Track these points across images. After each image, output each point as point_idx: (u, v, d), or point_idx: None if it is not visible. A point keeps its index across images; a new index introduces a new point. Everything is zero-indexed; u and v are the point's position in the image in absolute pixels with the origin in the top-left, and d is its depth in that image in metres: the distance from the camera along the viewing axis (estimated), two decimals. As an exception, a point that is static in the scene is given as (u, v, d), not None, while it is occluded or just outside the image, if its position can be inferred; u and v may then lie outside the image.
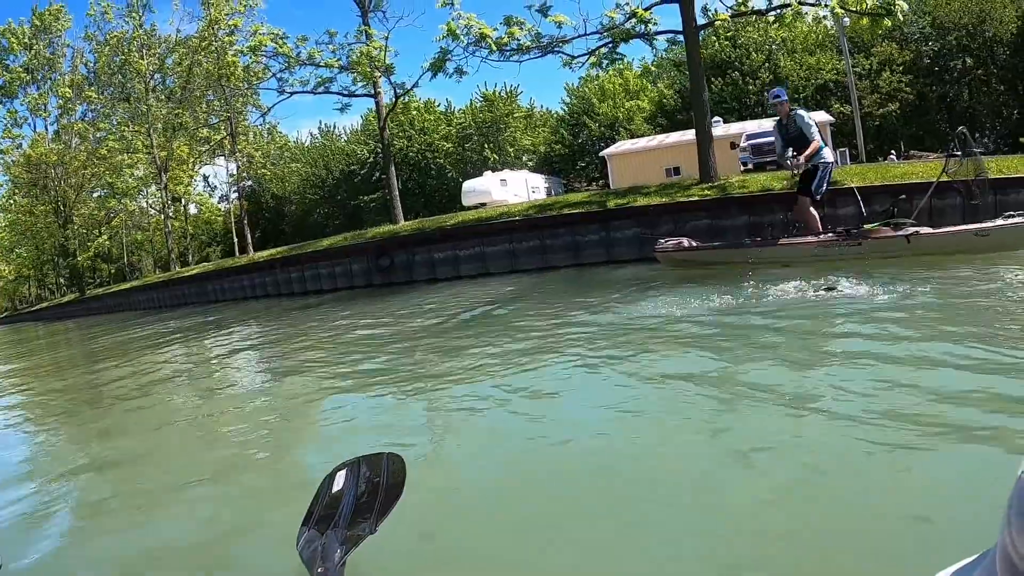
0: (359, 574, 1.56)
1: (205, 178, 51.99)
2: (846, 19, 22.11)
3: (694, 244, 12.63)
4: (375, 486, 2.02)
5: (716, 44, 42.48)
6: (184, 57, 39.08)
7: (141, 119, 39.68)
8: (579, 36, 20.79)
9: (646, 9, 19.78)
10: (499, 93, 50.84)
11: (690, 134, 32.86)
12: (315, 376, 7.95)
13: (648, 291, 10.62)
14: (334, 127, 59.74)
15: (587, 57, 21.24)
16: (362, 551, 1.56)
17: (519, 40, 20.51)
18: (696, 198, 18.58)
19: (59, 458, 6.20)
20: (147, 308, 35.37)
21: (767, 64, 41.53)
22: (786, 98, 11.22)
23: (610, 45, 20.79)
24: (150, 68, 40.53)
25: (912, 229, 10.37)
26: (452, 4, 21.34)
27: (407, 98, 28.03)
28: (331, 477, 2.09)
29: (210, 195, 55.54)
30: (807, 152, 10.64)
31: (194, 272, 34.94)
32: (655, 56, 45.34)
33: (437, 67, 21.97)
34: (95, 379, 11.43)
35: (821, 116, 33.25)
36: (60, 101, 43.90)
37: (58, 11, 47.61)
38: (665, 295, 9.78)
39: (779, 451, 3.64)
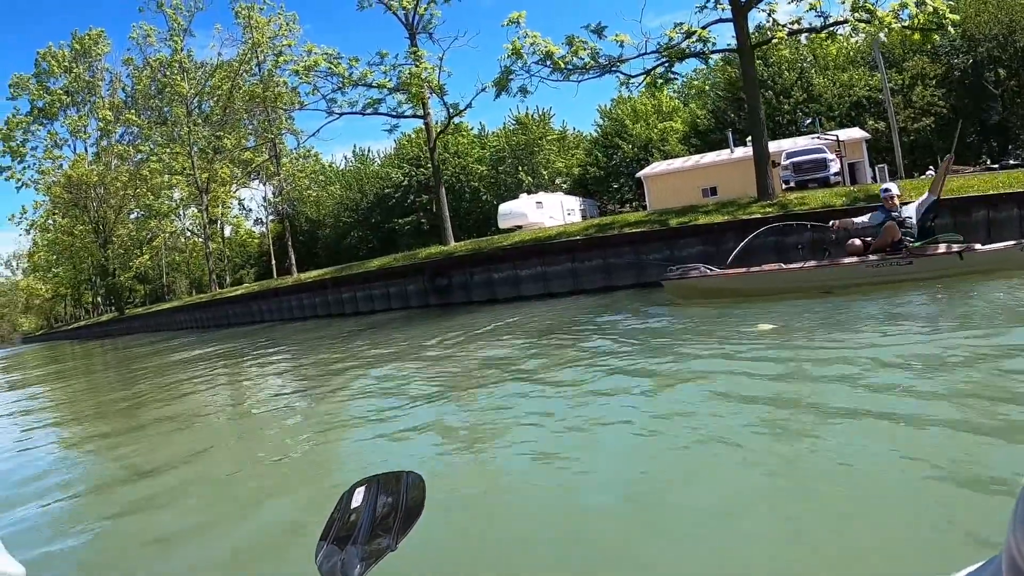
0: None
1: (240, 201, 52.44)
2: (882, 35, 22.37)
3: (715, 271, 12.09)
4: (394, 503, 2.06)
5: (730, 67, 42.61)
6: (225, 80, 39.58)
7: (182, 141, 40.17)
8: (638, 56, 20.94)
9: (704, 28, 19.99)
10: (532, 116, 51.09)
11: (724, 154, 33.17)
12: (372, 399, 8.09)
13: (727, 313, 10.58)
14: (368, 150, 60.21)
15: (643, 76, 21.43)
16: (381, 568, 1.66)
17: (582, 59, 20.71)
18: (759, 216, 18.73)
19: (92, 466, 6.72)
20: (190, 328, 35.67)
21: (799, 82, 41.65)
22: (895, 193, 11.24)
23: (666, 64, 21.00)
24: (191, 91, 41.06)
25: (964, 245, 10.47)
26: (518, 23, 21.57)
27: (459, 119, 28.14)
28: (350, 493, 2.14)
29: (245, 218, 56.08)
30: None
31: (240, 292, 35.19)
32: (696, 76, 45.43)
33: (502, 86, 22.14)
34: (159, 395, 11.80)
35: (856, 133, 33.35)
36: (100, 123, 44.53)
37: (98, 35, 48.50)
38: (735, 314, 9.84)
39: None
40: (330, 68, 26.23)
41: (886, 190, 11.34)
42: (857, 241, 11.28)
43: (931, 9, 18.39)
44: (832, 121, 37.99)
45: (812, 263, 11.29)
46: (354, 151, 60.16)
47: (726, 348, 7.62)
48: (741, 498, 3.56)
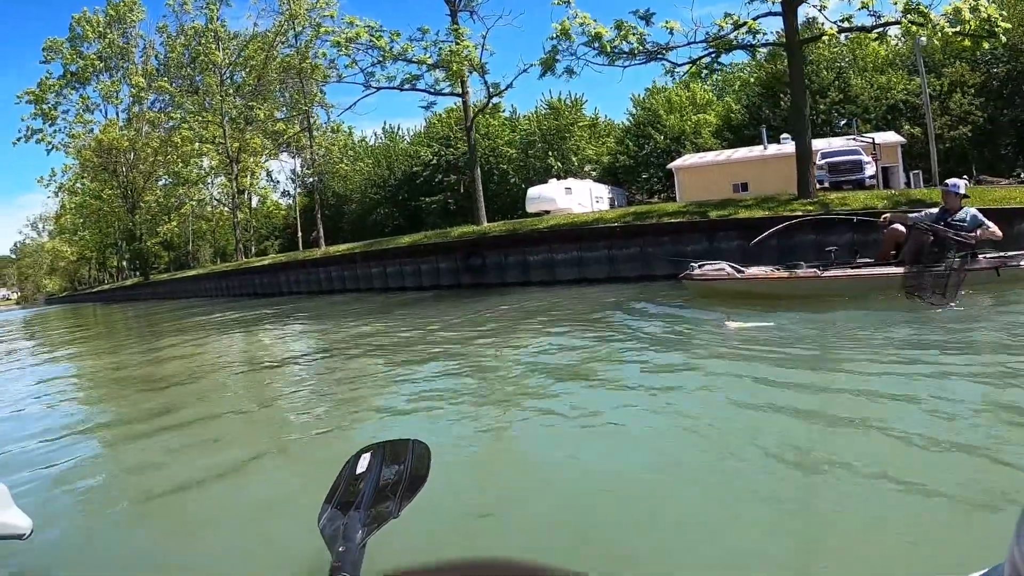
0: (378, 556, 1.66)
1: (268, 173, 52.53)
2: (922, 38, 22.17)
3: (741, 270, 11.48)
4: (399, 471, 2.06)
5: (781, 61, 42.30)
6: (259, 51, 39.61)
7: (214, 110, 40.24)
8: (686, 44, 20.82)
9: (754, 19, 19.87)
10: (564, 101, 50.96)
11: (757, 150, 33.01)
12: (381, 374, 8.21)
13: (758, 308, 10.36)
14: (398, 128, 60.17)
15: (688, 66, 21.35)
16: (383, 534, 1.66)
17: (630, 44, 20.60)
18: (800, 213, 18.65)
19: (103, 423, 6.79)
20: (215, 295, 35.83)
21: (836, 82, 41.34)
22: (959, 192, 10.51)
23: (713, 55, 20.89)
24: (225, 61, 41.13)
25: (1000, 261, 10.27)
26: (568, 3, 21.43)
27: (498, 99, 28.04)
28: (356, 458, 2.14)
29: (272, 189, 56.21)
30: (993, 230, 10.04)
31: (267, 262, 35.33)
32: (733, 70, 45.15)
33: (548, 65, 22.00)
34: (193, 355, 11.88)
35: (892, 137, 33.16)
36: (133, 90, 44.70)
37: (132, 2, 48.60)
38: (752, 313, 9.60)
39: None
40: (372, 41, 26.05)
41: (953, 186, 10.54)
42: (900, 227, 10.68)
43: (985, 16, 18.26)
44: (868, 124, 37.69)
45: (847, 270, 10.72)
46: (384, 128, 59.97)
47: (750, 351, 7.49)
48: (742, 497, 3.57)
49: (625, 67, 21.57)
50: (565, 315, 13.08)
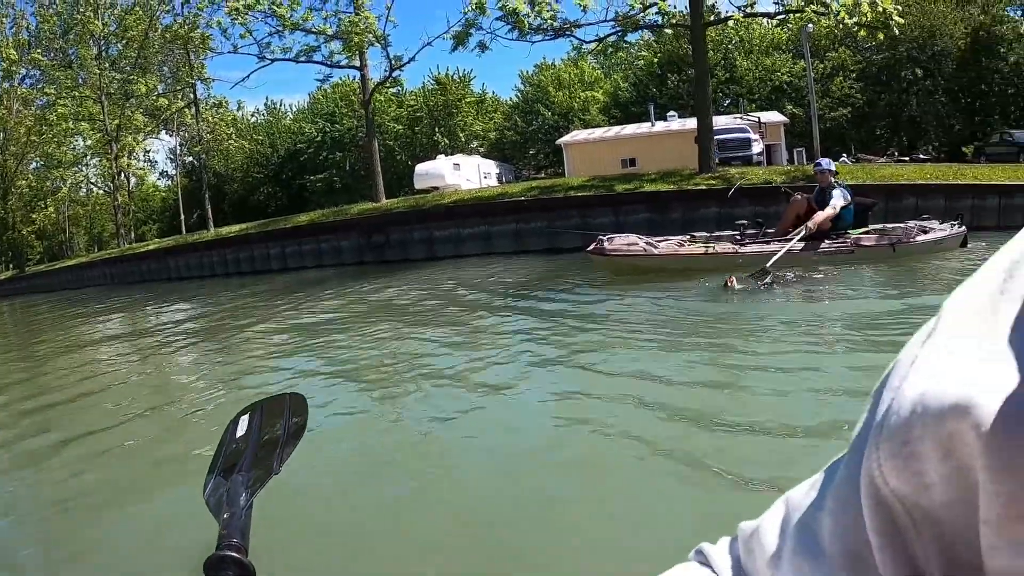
0: (266, 515, 1.67)
1: (146, 152, 49.85)
2: (810, 26, 23.10)
3: (653, 244, 11.31)
4: (278, 427, 2.02)
5: (673, 41, 43.24)
6: (141, 20, 37.46)
7: (91, 85, 37.83)
8: (598, 22, 21.00)
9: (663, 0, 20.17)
10: (452, 77, 50.62)
11: (645, 127, 33.72)
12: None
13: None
14: (280, 103, 58.38)
15: (595, 43, 21.47)
16: (268, 492, 1.66)
17: (542, 20, 20.53)
18: (704, 187, 19.07)
19: None
20: (100, 284, 33.85)
21: (723, 63, 42.51)
22: (830, 169, 11.17)
23: (619, 33, 21.07)
24: (104, 31, 38.68)
25: (897, 238, 10.82)
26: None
27: (400, 72, 27.44)
28: (235, 423, 2.11)
29: (151, 170, 53.45)
30: (817, 220, 10.58)
31: (154, 247, 33.66)
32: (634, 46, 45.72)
33: (461, 40, 21.72)
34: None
35: (775, 116, 34.49)
36: (4, 63, 41.51)
37: (-2, -31, 45.14)
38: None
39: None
40: (272, 9, 24.99)
41: (826, 163, 11.31)
42: (800, 197, 11.24)
43: (881, 9, 19.14)
44: (752, 104, 39.02)
45: (761, 244, 10.90)
46: (267, 103, 57.96)
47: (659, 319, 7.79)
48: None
49: (534, 43, 21.60)
50: (472, 291, 12.94)
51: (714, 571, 0.63)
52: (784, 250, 10.13)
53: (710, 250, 10.80)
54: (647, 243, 11.18)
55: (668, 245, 11.31)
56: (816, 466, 0.51)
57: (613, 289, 10.34)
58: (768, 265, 9.47)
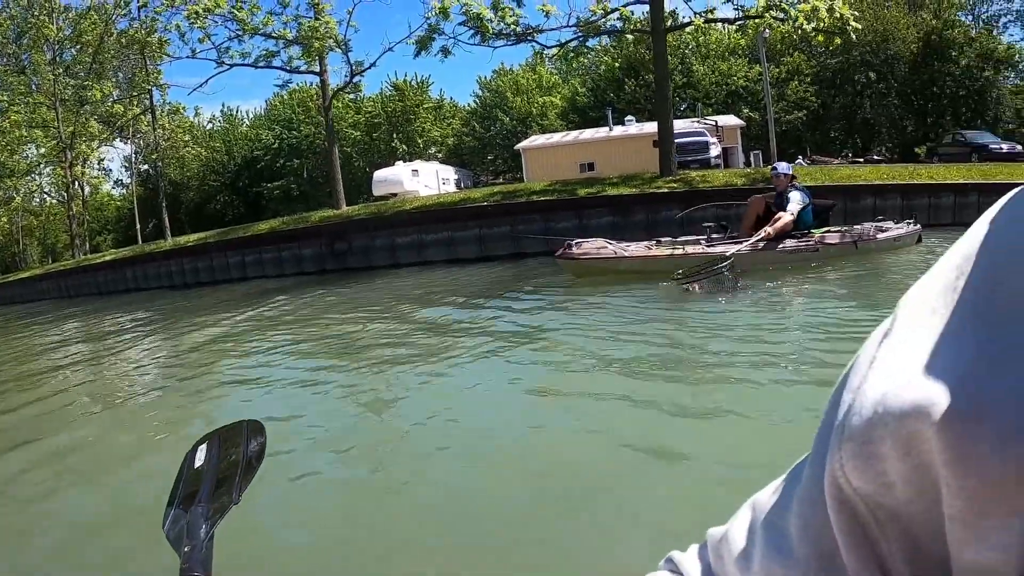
0: (228, 547, 1.70)
1: (100, 160, 48.88)
2: (766, 31, 23.52)
3: (622, 248, 11.26)
4: (236, 455, 2.10)
5: (632, 47, 43.59)
6: (96, 24, 36.71)
7: (46, 91, 36.94)
8: (560, 27, 21.17)
9: (624, 6, 20.34)
10: (410, 83, 50.48)
11: (603, 131, 33.92)
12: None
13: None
14: (237, 110, 57.69)
15: (557, 48, 21.57)
16: (229, 522, 1.70)
17: (506, 25, 20.55)
18: (666, 190, 19.22)
19: None
20: (54, 297, 33.08)
21: (680, 67, 42.93)
22: (787, 173, 11.33)
23: (581, 38, 21.19)
24: (58, 35, 37.81)
25: (858, 235, 11.33)
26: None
27: (360, 78, 27.18)
28: (192, 453, 2.11)
29: (105, 178, 52.35)
30: (777, 226, 10.75)
31: (110, 257, 32.97)
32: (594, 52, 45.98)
33: (424, 45, 21.60)
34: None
35: (732, 120, 34.91)
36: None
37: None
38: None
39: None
40: (233, 12, 24.61)
41: (783, 168, 11.46)
42: (759, 197, 11.67)
43: (839, 15, 19.54)
44: (709, 107, 39.48)
45: (729, 244, 10.93)
46: (223, 110, 57.22)
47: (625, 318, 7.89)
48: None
49: (496, 48, 21.62)
50: (437, 297, 12.91)
51: None
52: (744, 246, 10.44)
53: (677, 251, 10.86)
54: (615, 247, 11.20)
55: (637, 248, 11.32)
56: (782, 467, 0.52)
57: (580, 293, 10.39)
58: (723, 263, 9.60)
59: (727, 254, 9.99)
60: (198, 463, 1.99)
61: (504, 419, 4.75)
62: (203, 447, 2.05)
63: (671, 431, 4.06)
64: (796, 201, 10.95)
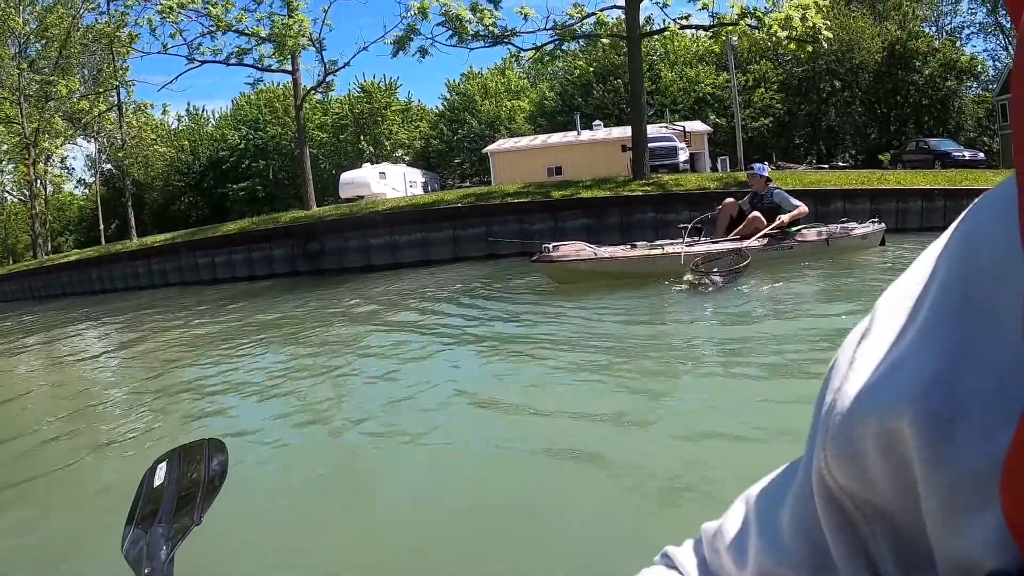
0: (189, 568, 1.62)
1: (63, 159, 48.00)
2: (735, 38, 23.89)
3: (600, 251, 11.04)
4: (197, 474, 1.97)
5: (603, 51, 43.79)
6: (63, 18, 36.04)
7: (10, 85, 36.09)
8: (536, 31, 21.25)
9: (602, 10, 20.56)
10: (378, 85, 50.28)
11: (571, 136, 34.13)
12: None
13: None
14: (203, 109, 56.94)
15: (532, 51, 21.68)
16: (189, 543, 1.62)
17: (484, 27, 20.61)
18: (640, 193, 19.36)
19: None
20: (17, 299, 32.42)
21: (648, 74, 43.23)
22: (762, 174, 11.67)
23: (556, 42, 21.32)
24: (26, 29, 37.03)
25: (830, 233, 11.77)
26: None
27: (333, 78, 26.96)
28: (152, 471, 2.11)
29: (68, 177, 51.35)
30: (793, 214, 11.19)
31: (75, 258, 32.38)
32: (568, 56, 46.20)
33: (402, 44, 21.54)
34: None
35: (699, 126, 35.37)
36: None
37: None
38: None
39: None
40: (207, 8, 24.19)
41: (759, 168, 11.85)
42: (732, 200, 11.83)
43: (811, 24, 19.88)
44: (676, 114, 39.88)
45: (709, 244, 11.01)
46: (188, 109, 56.35)
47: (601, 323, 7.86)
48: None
49: (472, 49, 21.71)
50: (412, 302, 12.53)
51: (680, 573, 0.64)
52: (754, 240, 10.80)
53: (658, 251, 10.88)
54: (594, 250, 11.07)
55: (615, 251, 11.28)
56: (771, 463, 0.52)
57: (557, 296, 10.29)
58: (744, 262, 10.00)
59: (743, 250, 10.35)
60: (158, 481, 1.94)
61: (482, 424, 4.65)
62: (163, 465, 2.01)
63: (658, 434, 4.05)
64: (789, 198, 11.37)
